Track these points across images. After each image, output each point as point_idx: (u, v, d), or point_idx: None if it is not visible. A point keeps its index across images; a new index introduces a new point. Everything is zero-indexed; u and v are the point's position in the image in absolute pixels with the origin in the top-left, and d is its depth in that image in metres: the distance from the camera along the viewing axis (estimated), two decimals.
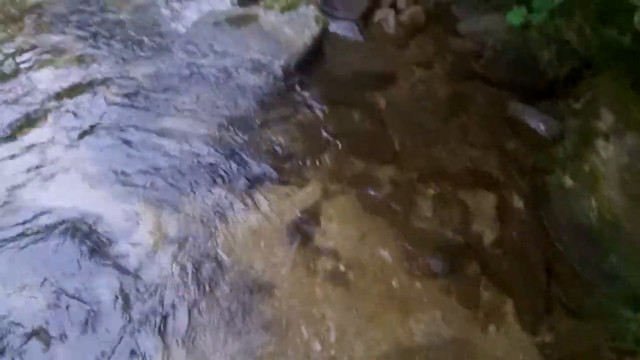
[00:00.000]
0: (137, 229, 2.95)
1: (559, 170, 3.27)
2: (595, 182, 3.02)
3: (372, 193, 3.28)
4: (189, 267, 2.82)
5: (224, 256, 2.87)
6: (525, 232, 3.16)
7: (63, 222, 2.92)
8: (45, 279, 2.70)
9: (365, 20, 4.59)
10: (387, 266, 2.91)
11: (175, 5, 4.54)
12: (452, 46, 4.41)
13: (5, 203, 2.99)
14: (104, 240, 2.88)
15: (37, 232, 2.86)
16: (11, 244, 2.80)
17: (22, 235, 2.84)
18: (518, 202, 3.30)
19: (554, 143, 3.57)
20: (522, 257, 3.04)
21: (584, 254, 3.00)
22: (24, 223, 2.90)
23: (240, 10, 4.33)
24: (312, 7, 4.24)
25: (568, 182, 3.16)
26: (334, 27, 4.45)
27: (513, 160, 3.55)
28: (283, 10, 4.17)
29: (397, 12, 4.64)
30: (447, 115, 3.82)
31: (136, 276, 2.76)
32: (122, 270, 2.77)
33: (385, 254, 2.95)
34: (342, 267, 2.88)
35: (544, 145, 3.59)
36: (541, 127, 3.73)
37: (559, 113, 3.73)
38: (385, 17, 4.56)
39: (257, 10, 4.23)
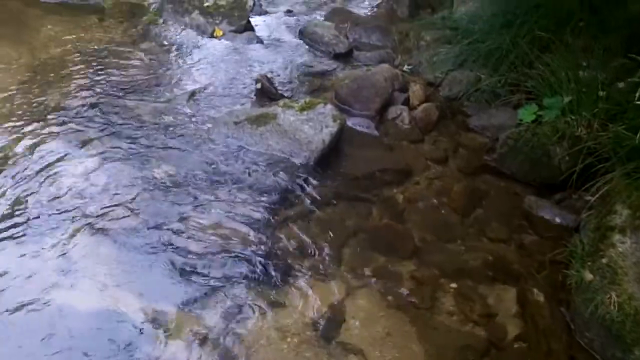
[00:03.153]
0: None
1: (578, 263, 3.31)
2: (615, 275, 3.06)
3: (394, 289, 3.32)
4: None
5: (250, 356, 2.88)
6: (548, 327, 3.17)
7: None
8: None
9: (380, 116, 4.74)
10: None
11: (195, 105, 4.70)
12: (465, 141, 4.56)
13: None
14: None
15: None
16: None
17: None
18: (539, 296, 3.32)
19: (570, 236, 3.62)
20: (546, 352, 3.04)
21: (608, 348, 3.00)
22: None
23: (259, 110, 4.47)
24: (329, 106, 4.39)
25: (587, 275, 3.20)
26: (350, 122, 4.60)
27: (531, 254, 3.61)
28: (301, 109, 4.32)
29: (411, 108, 4.81)
30: (464, 210, 3.91)
31: None
32: None
33: (411, 353, 2.97)
34: None
35: (561, 239, 3.64)
36: (557, 221, 3.81)
37: (574, 206, 3.82)
38: (399, 113, 4.72)
39: (276, 109, 4.37)
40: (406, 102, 4.89)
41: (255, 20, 6.32)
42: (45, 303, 3.00)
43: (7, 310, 2.94)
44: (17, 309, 2.95)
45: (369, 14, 6.74)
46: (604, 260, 3.15)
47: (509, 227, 3.80)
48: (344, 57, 5.68)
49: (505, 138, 4.19)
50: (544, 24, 4.60)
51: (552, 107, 3.96)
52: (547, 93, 4.12)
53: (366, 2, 7.03)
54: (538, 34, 4.53)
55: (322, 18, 6.48)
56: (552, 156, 3.92)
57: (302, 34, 6.00)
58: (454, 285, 3.38)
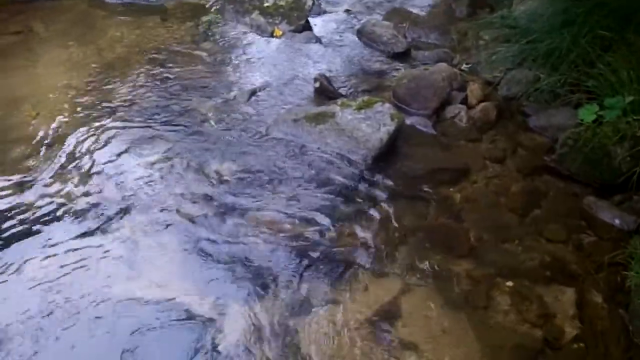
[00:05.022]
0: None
1: (637, 265, 3.27)
2: None
3: (450, 287, 3.35)
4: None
5: (307, 350, 2.95)
6: (605, 328, 3.15)
7: None
8: None
9: (437, 115, 4.74)
10: None
11: (255, 103, 4.79)
12: (524, 140, 4.51)
13: None
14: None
15: None
16: None
17: None
18: (597, 298, 3.31)
19: (629, 238, 3.57)
20: (603, 354, 3.03)
21: None
22: None
23: (318, 108, 4.55)
24: (387, 104, 4.43)
25: None
26: (408, 121, 4.61)
27: (589, 255, 3.57)
28: (359, 108, 4.37)
29: (469, 107, 4.80)
30: (522, 210, 3.89)
31: None
32: None
33: (466, 351, 3.00)
34: None
35: (620, 240, 3.60)
36: (616, 222, 3.75)
37: (634, 208, 3.76)
38: (457, 112, 4.72)
39: (334, 108, 4.44)
40: (464, 101, 4.87)
41: (313, 20, 6.37)
42: (109, 294, 3.15)
43: (73, 301, 3.10)
44: (82, 300, 3.12)
45: (427, 13, 6.70)
46: None
47: (567, 227, 3.77)
48: (402, 57, 5.68)
49: (565, 138, 4.14)
50: (606, 22, 4.52)
51: (614, 107, 3.90)
52: (609, 93, 4.05)
53: (425, 2, 6.99)
54: (600, 32, 4.45)
55: (381, 17, 6.49)
56: (613, 157, 3.86)
57: (361, 33, 6.02)
58: (510, 284, 3.37)
